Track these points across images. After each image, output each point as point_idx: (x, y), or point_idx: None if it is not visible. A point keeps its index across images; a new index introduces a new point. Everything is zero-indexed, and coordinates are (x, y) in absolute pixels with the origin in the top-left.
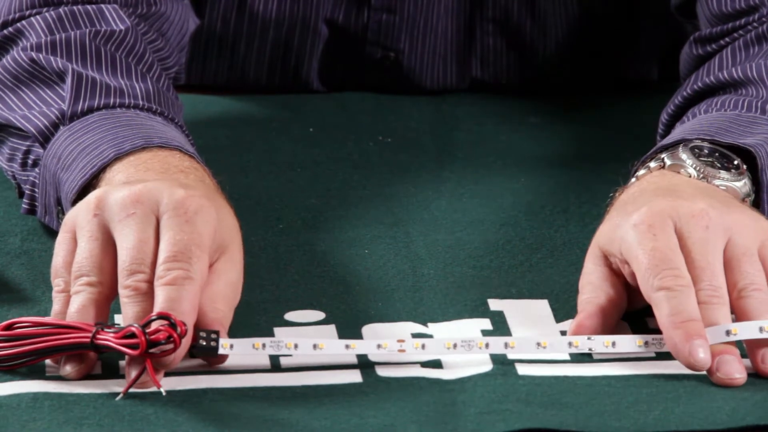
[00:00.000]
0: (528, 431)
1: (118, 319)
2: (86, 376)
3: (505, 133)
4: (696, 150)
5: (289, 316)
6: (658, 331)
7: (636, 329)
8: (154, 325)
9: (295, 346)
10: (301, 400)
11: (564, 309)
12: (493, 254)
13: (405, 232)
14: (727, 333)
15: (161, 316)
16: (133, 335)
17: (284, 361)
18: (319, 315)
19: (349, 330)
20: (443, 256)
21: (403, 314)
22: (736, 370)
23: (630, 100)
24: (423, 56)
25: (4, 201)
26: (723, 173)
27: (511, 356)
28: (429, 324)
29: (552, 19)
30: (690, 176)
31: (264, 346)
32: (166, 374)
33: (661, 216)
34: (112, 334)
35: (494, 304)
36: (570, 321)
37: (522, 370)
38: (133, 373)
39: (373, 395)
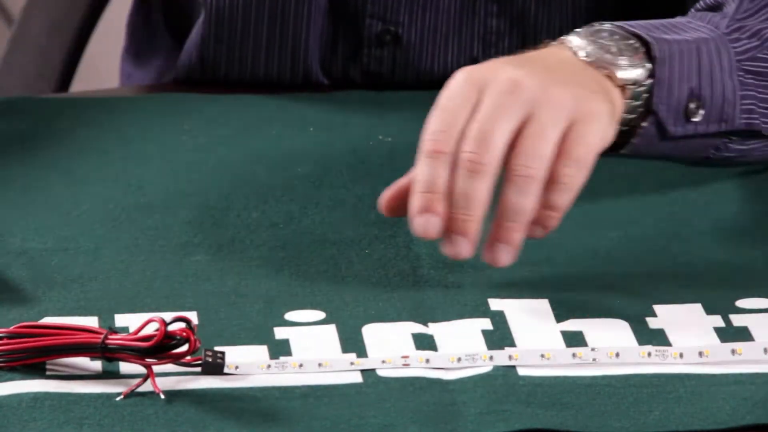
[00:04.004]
0: None
1: (119, 319)
2: (86, 376)
3: None
4: (597, 31)
5: (289, 316)
6: (661, 339)
7: (636, 329)
8: (171, 327)
9: (300, 365)
10: (301, 400)
11: (564, 308)
12: None
13: (405, 232)
14: (733, 352)
15: (180, 319)
16: (146, 339)
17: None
18: (319, 315)
19: (349, 330)
20: (443, 255)
21: (404, 314)
22: (460, 249)
23: None
24: (423, 33)
25: (4, 201)
26: (611, 47)
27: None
28: (429, 324)
29: (558, 2)
30: (573, 51)
31: (269, 366)
32: (166, 374)
33: (469, 76)
34: (123, 335)
35: (495, 304)
36: (570, 321)
37: (522, 370)
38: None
39: (373, 395)
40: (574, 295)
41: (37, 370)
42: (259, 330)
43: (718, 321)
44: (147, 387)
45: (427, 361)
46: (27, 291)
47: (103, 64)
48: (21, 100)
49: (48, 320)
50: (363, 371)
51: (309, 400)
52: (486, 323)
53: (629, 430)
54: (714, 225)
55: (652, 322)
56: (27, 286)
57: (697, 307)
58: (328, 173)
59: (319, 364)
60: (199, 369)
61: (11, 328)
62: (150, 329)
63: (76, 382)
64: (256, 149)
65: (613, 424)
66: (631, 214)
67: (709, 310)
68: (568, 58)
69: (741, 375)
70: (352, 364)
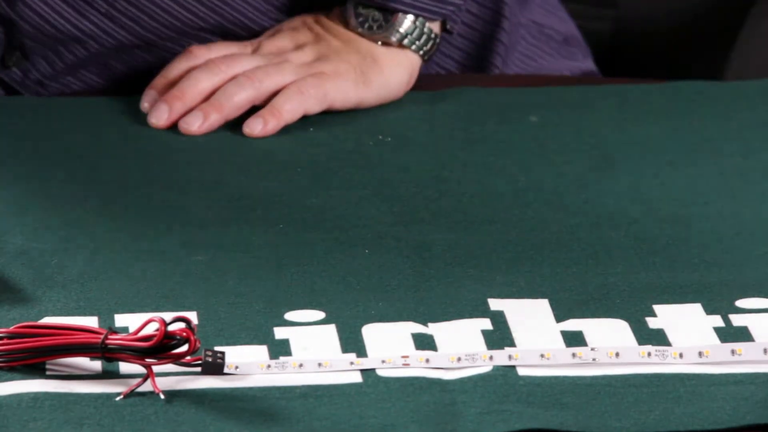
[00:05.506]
0: None
1: (119, 319)
2: (86, 376)
3: (505, 132)
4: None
5: (289, 316)
6: (661, 339)
7: (636, 329)
8: (171, 327)
9: (300, 365)
10: (301, 400)
11: (564, 308)
12: (493, 254)
13: (405, 232)
14: (733, 352)
15: (180, 319)
16: (146, 339)
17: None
18: (319, 315)
19: (349, 330)
20: (443, 255)
21: (404, 314)
22: (155, 117)
23: (631, 99)
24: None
25: (4, 200)
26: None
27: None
28: (429, 324)
29: None
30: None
31: (269, 366)
32: (166, 374)
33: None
34: (123, 335)
35: (494, 304)
36: (571, 321)
37: (522, 370)
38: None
39: (373, 395)
40: (574, 295)
41: (37, 370)
42: (259, 330)
43: (718, 321)
44: (147, 387)
45: (427, 361)
46: (27, 291)
47: None
48: (20, 100)
49: (48, 320)
50: (363, 371)
51: (309, 400)
52: (486, 323)
53: (629, 430)
54: (714, 225)
55: (652, 322)
56: (27, 286)
57: (697, 307)
58: (328, 174)
59: (319, 364)
60: (199, 369)
61: (11, 328)
62: (150, 329)
63: (76, 382)
64: (256, 149)
65: (613, 424)
66: (631, 214)
67: (709, 310)
68: (351, 37)
69: (741, 375)
70: (352, 364)
